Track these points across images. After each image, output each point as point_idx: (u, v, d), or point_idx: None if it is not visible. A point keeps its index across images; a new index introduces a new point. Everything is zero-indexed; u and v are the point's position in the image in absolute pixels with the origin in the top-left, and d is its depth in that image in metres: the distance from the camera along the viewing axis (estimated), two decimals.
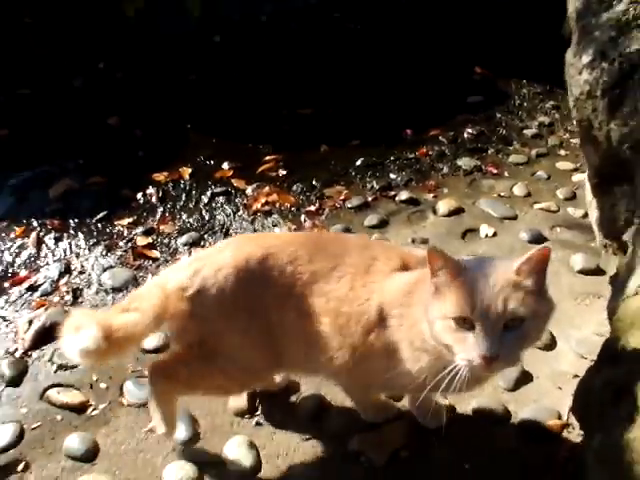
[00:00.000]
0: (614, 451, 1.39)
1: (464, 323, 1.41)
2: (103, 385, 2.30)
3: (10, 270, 2.90)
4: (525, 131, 4.35)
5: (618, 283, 1.78)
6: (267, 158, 3.82)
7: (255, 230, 3.21)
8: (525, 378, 2.31)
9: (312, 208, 3.38)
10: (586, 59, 1.68)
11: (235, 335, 1.83)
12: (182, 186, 3.56)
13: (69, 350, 1.70)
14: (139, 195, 3.46)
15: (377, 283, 1.70)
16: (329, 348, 1.76)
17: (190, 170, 3.69)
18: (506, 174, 3.79)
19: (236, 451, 2.05)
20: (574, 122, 1.92)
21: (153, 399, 1.94)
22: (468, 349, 1.41)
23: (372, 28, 5.45)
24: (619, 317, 1.63)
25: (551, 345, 2.47)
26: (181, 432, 2.11)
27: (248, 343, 1.84)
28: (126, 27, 4.90)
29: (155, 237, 3.15)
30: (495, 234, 3.17)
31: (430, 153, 3.98)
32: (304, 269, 1.76)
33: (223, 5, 5.34)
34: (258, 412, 2.19)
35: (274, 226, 3.23)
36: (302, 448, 2.07)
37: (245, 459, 2.03)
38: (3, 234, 3.15)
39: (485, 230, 3.19)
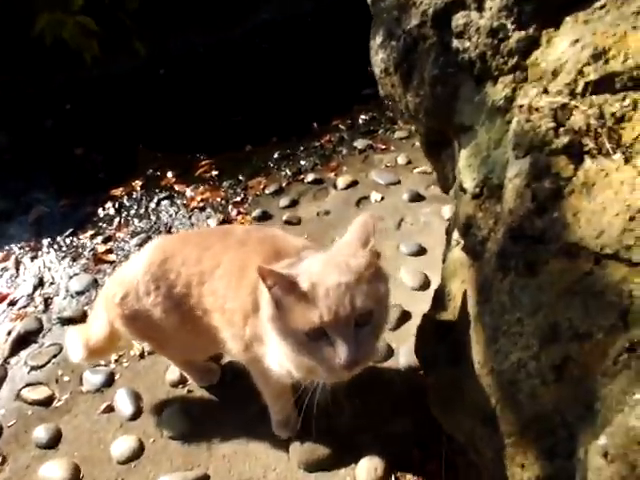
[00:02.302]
0: (445, 389, 1.20)
1: (315, 334, 1.09)
2: (66, 378, 2.09)
3: None
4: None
5: (450, 233, 1.58)
6: (203, 163, 3.54)
7: (192, 225, 2.97)
8: (405, 317, 2.13)
9: (238, 199, 3.14)
10: (379, 40, 1.45)
11: (162, 327, 1.61)
12: (134, 196, 3.28)
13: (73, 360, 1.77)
14: (100, 210, 3.18)
15: (250, 279, 1.40)
16: (225, 339, 1.53)
17: (141, 182, 3.41)
18: (392, 148, 3.55)
19: (171, 420, 1.86)
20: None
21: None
22: (327, 361, 1.10)
23: (283, 46, 5.12)
24: (446, 266, 1.43)
25: (426, 285, 2.29)
26: (126, 408, 1.91)
27: (175, 334, 1.63)
28: (85, 71, 4.52)
29: (112, 243, 2.90)
30: (383, 198, 2.96)
31: (332, 139, 3.73)
32: (194, 270, 1.54)
33: (167, 42, 4.98)
34: (189, 381, 1.99)
35: (207, 218, 2.99)
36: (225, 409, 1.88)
37: (178, 424, 1.84)
38: None
39: (375, 196, 2.98)
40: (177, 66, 4.89)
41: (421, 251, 2.51)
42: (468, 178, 1.21)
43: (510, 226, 1.09)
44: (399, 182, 3.10)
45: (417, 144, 3.51)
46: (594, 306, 0.95)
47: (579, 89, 1.01)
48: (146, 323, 1.61)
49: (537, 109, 1.06)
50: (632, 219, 0.92)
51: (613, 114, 0.97)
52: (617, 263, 0.93)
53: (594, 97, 1.00)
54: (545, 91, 1.04)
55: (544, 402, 0.99)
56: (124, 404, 1.91)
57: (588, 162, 1.01)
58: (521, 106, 1.08)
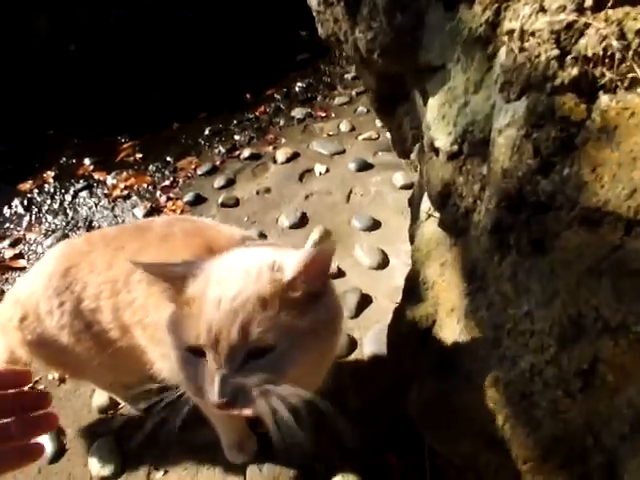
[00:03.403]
0: (432, 405, 0.95)
1: (197, 354, 0.80)
2: None
3: None
4: (346, 76, 3.80)
5: (414, 205, 1.31)
6: (124, 146, 3.14)
7: (116, 217, 2.58)
8: (365, 302, 1.87)
9: (167, 183, 2.77)
10: None
11: (76, 353, 1.27)
12: (47, 190, 2.85)
13: None
14: (5, 208, 2.73)
15: None
16: (152, 360, 1.21)
17: (54, 173, 2.97)
18: (333, 115, 3.26)
19: (101, 456, 1.54)
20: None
21: None
22: (200, 390, 0.80)
23: (207, 14, 4.66)
24: (417, 246, 1.16)
25: (385, 263, 2.03)
26: (46, 447, 1.56)
27: (93, 360, 1.28)
28: None
29: (22, 246, 2.48)
30: (328, 170, 2.67)
31: (268, 110, 3.40)
32: (105, 278, 1.20)
33: (74, 16, 4.42)
34: (121, 404, 1.66)
35: (133, 207, 2.61)
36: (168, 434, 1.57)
37: (112, 460, 1.52)
38: None
39: (319, 168, 2.68)
40: (87, 41, 4.37)
41: (375, 225, 2.25)
42: (442, 134, 0.94)
43: (505, 191, 0.83)
44: (344, 151, 2.82)
45: (360, 109, 3.25)
46: (629, 289, 0.71)
47: (589, 1, 0.75)
48: (55, 349, 1.28)
49: (533, 34, 0.79)
50: None
51: (638, 32, 0.72)
52: None
53: (611, 11, 0.74)
54: (542, 9, 0.78)
55: (570, 419, 0.75)
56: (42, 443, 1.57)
57: (605, 99, 0.75)
58: (510, 32, 0.81)
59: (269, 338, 0.77)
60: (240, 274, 0.81)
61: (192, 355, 0.81)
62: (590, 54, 0.75)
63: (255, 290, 0.78)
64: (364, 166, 2.63)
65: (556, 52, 0.77)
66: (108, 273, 1.19)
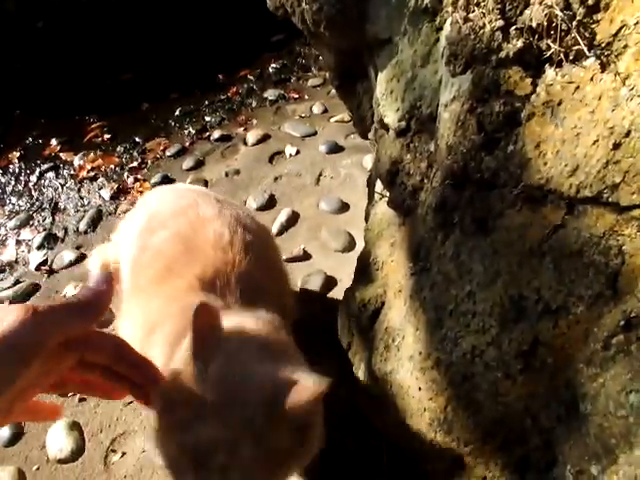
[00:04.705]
0: (376, 387, 0.92)
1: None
2: None
3: None
4: (321, 58, 3.71)
5: (371, 185, 1.28)
6: (92, 126, 3.04)
7: (82, 198, 2.51)
8: (330, 283, 1.84)
9: (135, 164, 2.69)
10: None
11: None
12: (11, 170, 2.75)
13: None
14: None
15: None
16: None
17: (19, 154, 2.87)
18: (306, 97, 3.19)
19: (58, 439, 1.50)
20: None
21: None
22: None
23: None
24: (369, 226, 1.13)
25: (351, 246, 2.00)
26: (2, 431, 1.52)
27: None
28: None
29: None
30: (298, 152, 2.62)
31: (240, 91, 3.32)
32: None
33: None
34: None
35: (100, 189, 2.54)
36: (124, 415, 1.54)
37: (66, 445, 1.48)
38: None
39: (289, 150, 2.63)
40: (56, 17, 4.21)
41: (343, 207, 2.21)
42: (390, 109, 0.90)
43: (449, 168, 0.79)
44: (315, 133, 2.76)
45: (333, 91, 3.17)
46: (570, 270, 0.69)
47: None
48: None
49: (478, 4, 0.75)
50: (617, 146, 0.65)
51: (583, 2, 0.68)
52: (600, 209, 0.66)
53: None
54: None
55: (509, 401, 0.73)
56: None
57: (551, 73, 0.72)
58: (455, 1, 0.77)
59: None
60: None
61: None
62: (535, 25, 0.71)
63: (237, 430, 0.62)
64: (335, 148, 2.59)
65: (501, 23, 0.73)
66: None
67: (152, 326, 0.86)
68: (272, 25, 4.28)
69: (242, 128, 2.89)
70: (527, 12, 0.72)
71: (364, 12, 0.91)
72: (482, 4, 0.75)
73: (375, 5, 0.89)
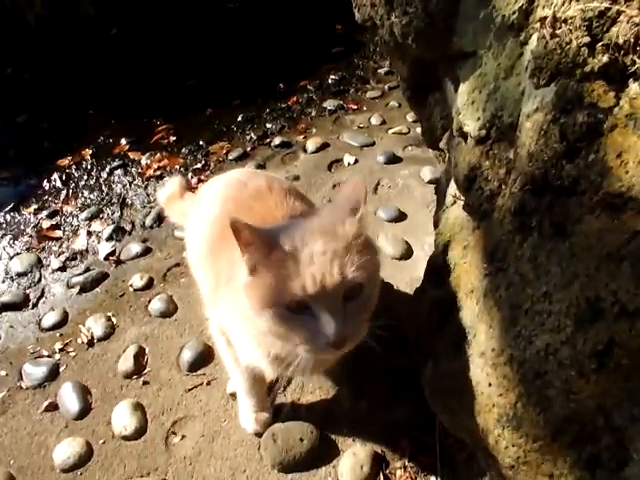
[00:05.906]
0: (445, 382, 0.96)
1: (298, 307, 0.89)
2: (3, 372, 1.79)
3: None
4: (379, 70, 3.80)
5: (440, 192, 1.32)
6: (159, 128, 3.21)
7: (148, 195, 2.65)
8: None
9: (198, 165, 2.82)
10: None
11: None
12: (84, 166, 2.93)
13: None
14: (45, 182, 2.82)
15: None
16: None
17: (91, 151, 3.05)
18: (365, 108, 3.27)
19: (123, 416, 1.59)
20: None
21: None
22: (312, 337, 0.90)
23: (248, 5, 4.71)
24: (440, 230, 1.18)
25: (408, 254, 2.05)
26: (72, 405, 1.63)
27: None
28: (28, 33, 4.06)
29: (59, 218, 2.56)
30: (357, 161, 2.69)
31: (300, 100, 3.42)
32: None
33: (118, 1, 4.52)
34: (145, 371, 1.72)
35: None
36: (185, 400, 1.63)
37: (130, 424, 1.58)
38: None
39: (348, 159, 2.70)
40: (129, 25, 4.46)
41: (401, 216, 2.26)
42: (471, 119, 0.95)
43: (530, 175, 0.84)
44: (373, 144, 2.83)
45: (392, 103, 3.26)
46: None
47: None
48: None
49: (565, 21, 0.80)
50: None
51: None
52: None
53: None
54: None
55: (582, 399, 0.77)
56: (70, 400, 1.64)
57: (634, 87, 0.75)
58: (543, 19, 0.82)
59: (359, 277, 0.89)
60: (320, 233, 0.92)
61: (289, 311, 0.90)
62: (621, 42, 0.75)
63: (338, 241, 0.90)
64: (393, 159, 2.64)
65: (587, 39, 0.77)
66: None
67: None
68: (332, 38, 4.42)
69: (302, 136, 2.98)
70: (614, 29, 0.76)
71: (451, 26, 0.97)
72: (569, 21, 0.79)
73: (462, 20, 0.95)
